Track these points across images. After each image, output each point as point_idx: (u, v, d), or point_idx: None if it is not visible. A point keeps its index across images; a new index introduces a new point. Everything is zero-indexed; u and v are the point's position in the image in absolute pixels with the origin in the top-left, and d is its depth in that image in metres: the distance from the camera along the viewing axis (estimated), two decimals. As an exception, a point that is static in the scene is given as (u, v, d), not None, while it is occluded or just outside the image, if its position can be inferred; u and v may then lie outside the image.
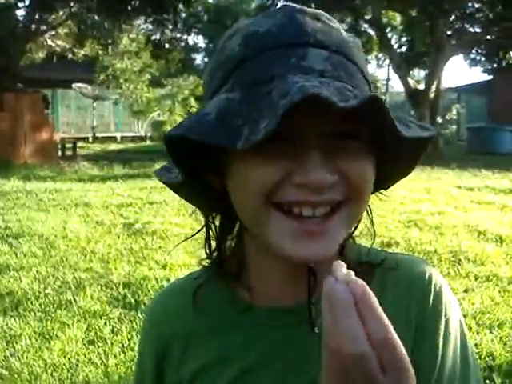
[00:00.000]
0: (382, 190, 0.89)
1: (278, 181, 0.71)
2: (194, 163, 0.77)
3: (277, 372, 0.83)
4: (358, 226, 0.85)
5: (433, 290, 0.85)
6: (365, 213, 0.85)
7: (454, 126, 28.38)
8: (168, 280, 5.03)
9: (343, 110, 0.63)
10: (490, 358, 3.72)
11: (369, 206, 0.86)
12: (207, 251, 0.90)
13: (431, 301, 0.84)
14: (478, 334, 4.05)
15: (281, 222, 0.72)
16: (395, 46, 25.23)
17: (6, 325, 4.31)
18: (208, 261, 0.91)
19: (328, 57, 0.73)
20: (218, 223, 0.90)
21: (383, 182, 0.85)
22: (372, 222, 0.89)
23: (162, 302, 0.98)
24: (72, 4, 18.99)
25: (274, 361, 0.83)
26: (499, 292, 4.92)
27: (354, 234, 0.87)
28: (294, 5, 0.78)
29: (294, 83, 0.66)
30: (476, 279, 5.25)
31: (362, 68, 0.77)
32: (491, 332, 4.13)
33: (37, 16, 18.58)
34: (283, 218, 0.72)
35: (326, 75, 0.71)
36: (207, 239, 0.89)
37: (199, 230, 0.90)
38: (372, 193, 0.84)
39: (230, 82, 0.75)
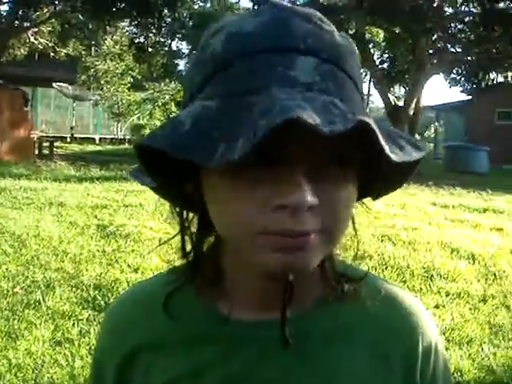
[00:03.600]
0: (365, 202, 0.86)
1: (259, 207, 0.65)
2: (167, 171, 0.72)
3: None
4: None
5: (421, 336, 0.83)
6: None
7: (432, 144, 28.63)
8: (139, 283, 4.97)
9: (331, 136, 0.57)
10: (459, 373, 3.73)
11: (352, 219, 0.83)
12: (182, 253, 0.82)
13: (420, 351, 0.82)
14: (447, 349, 4.07)
15: (264, 245, 0.66)
16: (377, 62, 25.41)
17: (-28, 322, 4.24)
18: (178, 263, 0.84)
19: (317, 66, 0.66)
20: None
21: (367, 195, 0.82)
22: (356, 234, 0.86)
23: (126, 309, 0.89)
24: (57, 2, 18.88)
25: (248, 379, 0.77)
26: (469, 309, 4.95)
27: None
28: (284, 2, 0.70)
29: (276, 100, 0.60)
30: (447, 295, 5.28)
31: (354, 76, 0.70)
32: (460, 348, 4.15)
33: (20, 12, 18.44)
34: (266, 240, 0.66)
35: (313, 88, 0.64)
36: (182, 240, 0.82)
37: (176, 235, 0.82)
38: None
39: (208, 88, 0.68)
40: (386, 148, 0.61)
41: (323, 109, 0.60)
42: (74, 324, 4.27)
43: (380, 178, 0.76)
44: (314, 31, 0.68)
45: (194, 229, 0.82)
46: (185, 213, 0.82)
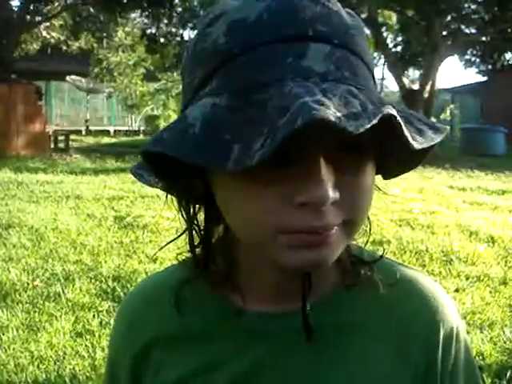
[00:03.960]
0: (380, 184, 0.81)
1: (280, 205, 0.62)
2: (174, 171, 0.68)
3: None
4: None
5: (442, 323, 0.79)
6: None
7: (448, 127, 28.42)
8: (158, 274, 4.99)
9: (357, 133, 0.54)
10: (480, 357, 3.71)
11: None
12: (191, 247, 0.79)
13: (441, 338, 0.79)
14: (468, 333, 4.04)
15: (284, 243, 0.64)
16: (390, 46, 25.22)
17: (-6, 316, 4.27)
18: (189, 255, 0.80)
19: (329, 53, 0.61)
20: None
21: (378, 173, 0.77)
22: (369, 219, 0.80)
23: (136, 305, 0.86)
24: (67, -5, 18.92)
25: (266, 373, 0.75)
26: (490, 292, 4.92)
27: None
28: None
29: (293, 97, 0.55)
30: (467, 279, 5.24)
31: (366, 59, 0.66)
32: (481, 332, 4.12)
33: (32, 7, 18.49)
34: (286, 239, 0.63)
35: (328, 78, 0.60)
36: (190, 233, 0.78)
37: (184, 231, 0.78)
38: None
39: (214, 82, 0.63)
40: (410, 137, 0.58)
41: (343, 101, 0.57)
42: (94, 315, 4.29)
43: (396, 159, 0.74)
44: (322, 14, 0.63)
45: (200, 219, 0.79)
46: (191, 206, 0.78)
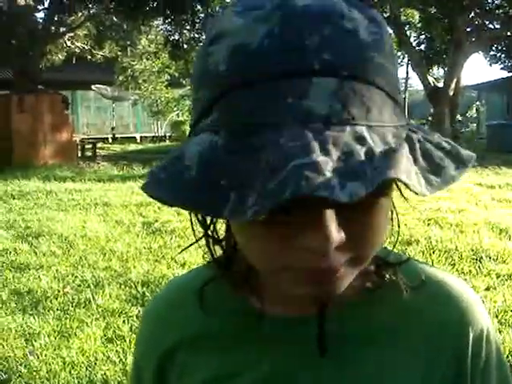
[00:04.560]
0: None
1: (282, 247, 0.59)
2: None
3: None
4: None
5: (471, 326, 0.77)
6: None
7: (474, 124, 28.16)
8: (186, 278, 5.02)
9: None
10: (513, 356, 3.66)
11: (392, 203, 0.75)
12: (209, 249, 0.78)
13: (471, 339, 0.76)
14: (500, 332, 3.99)
15: (288, 279, 0.62)
16: (414, 44, 25.06)
17: (26, 323, 4.32)
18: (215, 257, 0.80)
19: (336, 88, 0.55)
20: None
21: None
22: (398, 220, 0.78)
23: (160, 309, 0.86)
24: (90, 5, 19.10)
25: (284, 379, 0.74)
26: (521, 290, 4.85)
27: None
28: (296, 1, 0.58)
29: (285, 158, 0.50)
30: (498, 277, 5.18)
31: (383, 84, 0.58)
32: (514, 330, 4.07)
33: (56, 18, 18.71)
34: (291, 275, 0.61)
35: (332, 121, 0.54)
36: (210, 236, 0.77)
37: (200, 238, 0.78)
38: None
39: (214, 113, 0.59)
40: (418, 189, 0.52)
41: (344, 153, 0.51)
42: (124, 321, 4.32)
43: None
44: (331, 38, 0.56)
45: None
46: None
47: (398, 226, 0.78)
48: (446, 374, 0.74)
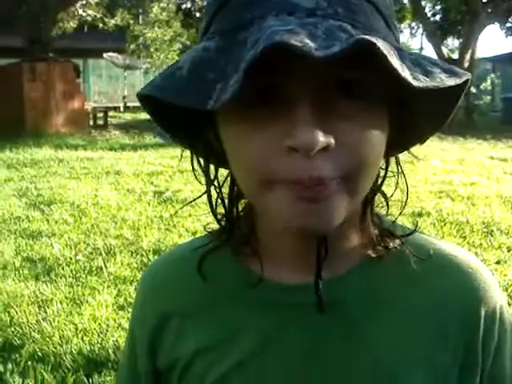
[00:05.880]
0: (415, 153, 0.76)
1: (270, 149, 0.59)
2: (184, 121, 0.67)
3: (286, 361, 0.71)
4: (375, 194, 0.73)
5: (483, 303, 0.73)
6: (399, 180, 0.74)
7: (489, 97, 27.90)
8: (197, 247, 5.05)
9: (326, 59, 0.49)
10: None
11: (403, 173, 0.74)
12: (214, 214, 0.77)
13: (482, 317, 0.72)
14: (510, 306, 4.00)
15: (279, 194, 0.60)
16: (429, 15, 24.74)
17: (38, 290, 4.37)
18: (216, 226, 0.78)
19: None
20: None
21: (409, 140, 0.73)
22: (407, 192, 0.74)
23: (162, 271, 0.84)
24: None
25: (281, 343, 0.71)
26: (532, 264, 4.85)
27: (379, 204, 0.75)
28: None
29: (267, 28, 0.53)
30: (509, 251, 5.17)
31: (376, 2, 0.60)
32: (524, 303, 4.08)
33: (68, -15, 18.61)
34: (281, 189, 0.60)
35: (317, 13, 0.56)
36: (208, 194, 0.76)
37: (203, 194, 0.78)
38: (403, 151, 0.74)
39: (212, 27, 0.62)
40: (399, 68, 0.52)
41: (325, 34, 0.52)
42: (135, 288, 4.35)
43: (415, 116, 0.67)
44: None
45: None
46: (213, 174, 0.76)
47: (406, 198, 0.75)
48: (456, 352, 0.71)
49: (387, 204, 0.76)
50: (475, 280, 0.73)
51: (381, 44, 0.51)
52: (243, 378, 0.72)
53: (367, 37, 0.51)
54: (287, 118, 0.57)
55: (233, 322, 0.74)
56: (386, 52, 0.51)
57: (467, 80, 0.60)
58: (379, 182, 0.73)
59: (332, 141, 0.57)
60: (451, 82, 0.57)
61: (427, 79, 0.55)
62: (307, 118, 0.56)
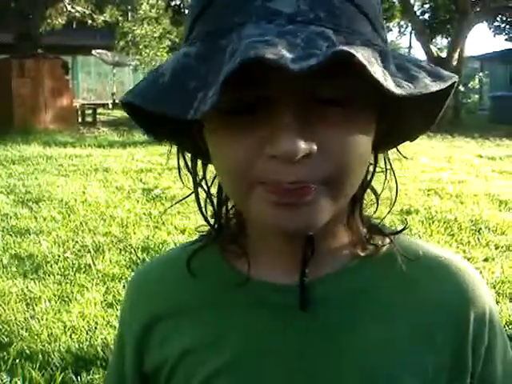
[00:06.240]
0: (403, 153, 0.76)
1: (252, 155, 0.58)
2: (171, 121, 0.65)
3: (272, 361, 0.70)
4: (365, 192, 0.72)
5: (472, 306, 0.72)
6: (388, 177, 0.74)
7: (477, 95, 28.03)
8: (186, 245, 5.05)
9: (303, 73, 0.48)
10: (510, 327, 3.69)
11: (392, 170, 0.74)
12: (202, 213, 0.77)
13: (472, 321, 0.71)
14: (497, 303, 4.02)
15: (261, 196, 0.60)
16: (418, 13, 24.81)
17: (26, 287, 4.35)
18: (207, 228, 0.78)
19: None
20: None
21: (398, 138, 0.72)
22: (397, 189, 0.75)
23: (151, 273, 0.84)
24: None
25: (265, 343, 0.70)
26: (520, 261, 4.88)
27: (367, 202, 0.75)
28: None
29: (245, 38, 0.52)
30: (496, 248, 5.21)
31: (359, 2, 0.58)
32: (511, 301, 4.10)
33: (56, -19, 18.52)
34: (263, 191, 0.59)
35: (297, 19, 0.54)
36: (196, 193, 0.77)
37: (190, 194, 0.79)
38: (392, 147, 0.74)
39: (194, 31, 0.61)
40: (381, 78, 0.51)
41: (305, 42, 0.51)
42: (124, 286, 4.35)
43: (402, 117, 0.67)
44: None
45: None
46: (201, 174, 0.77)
47: (396, 196, 0.76)
48: (443, 353, 0.70)
49: (377, 201, 0.75)
50: (464, 281, 0.73)
51: (360, 54, 0.50)
52: (230, 378, 0.71)
53: (345, 48, 0.50)
54: (269, 126, 0.57)
55: (219, 323, 0.73)
56: (365, 62, 0.50)
57: (454, 82, 0.59)
58: (368, 179, 0.72)
59: (314, 147, 0.57)
60: (436, 87, 0.56)
61: (411, 85, 0.54)
62: (289, 126, 0.56)
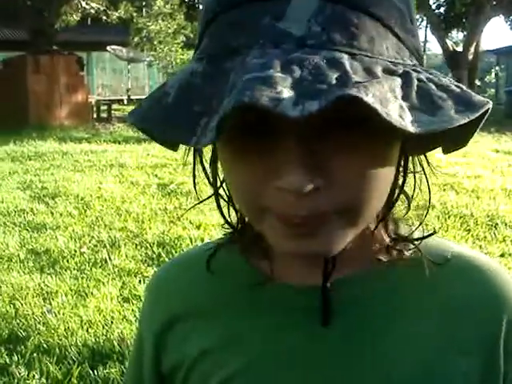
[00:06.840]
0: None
1: (259, 184, 0.56)
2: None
3: (293, 365, 0.68)
4: (391, 209, 0.68)
5: (504, 310, 0.68)
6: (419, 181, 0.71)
7: (493, 90, 27.81)
8: (202, 240, 5.06)
9: (303, 118, 0.43)
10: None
11: (424, 174, 0.71)
12: (224, 217, 0.74)
13: (504, 326, 0.68)
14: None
15: (273, 224, 0.57)
16: (433, 7, 24.64)
17: (43, 282, 4.38)
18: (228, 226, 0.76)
19: (317, 10, 0.50)
20: None
21: (427, 148, 0.68)
22: (429, 194, 0.73)
23: (172, 272, 0.83)
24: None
25: (289, 351, 0.68)
26: (537, 256, 4.85)
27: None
28: None
29: (247, 71, 0.47)
30: (513, 243, 5.17)
31: (378, 13, 0.52)
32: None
33: (71, -23, 18.58)
34: (275, 221, 0.57)
35: (307, 43, 0.49)
36: (216, 195, 0.74)
37: (215, 192, 0.76)
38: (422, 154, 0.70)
39: (202, 43, 0.57)
40: (394, 120, 0.45)
41: (312, 75, 0.46)
42: (140, 281, 4.37)
43: (430, 140, 0.63)
44: None
45: None
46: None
47: (413, 194, 0.73)
48: (474, 356, 0.67)
49: (409, 205, 0.72)
50: (496, 283, 0.70)
51: (371, 95, 0.45)
52: (247, 380, 0.70)
53: (352, 92, 0.44)
54: (274, 157, 0.54)
55: (238, 324, 0.72)
56: (377, 106, 0.44)
57: (487, 109, 0.51)
58: (394, 197, 0.68)
59: (321, 183, 0.53)
60: (462, 120, 0.48)
61: (433, 119, 0.47)
62: (293, 158, 0.52)
